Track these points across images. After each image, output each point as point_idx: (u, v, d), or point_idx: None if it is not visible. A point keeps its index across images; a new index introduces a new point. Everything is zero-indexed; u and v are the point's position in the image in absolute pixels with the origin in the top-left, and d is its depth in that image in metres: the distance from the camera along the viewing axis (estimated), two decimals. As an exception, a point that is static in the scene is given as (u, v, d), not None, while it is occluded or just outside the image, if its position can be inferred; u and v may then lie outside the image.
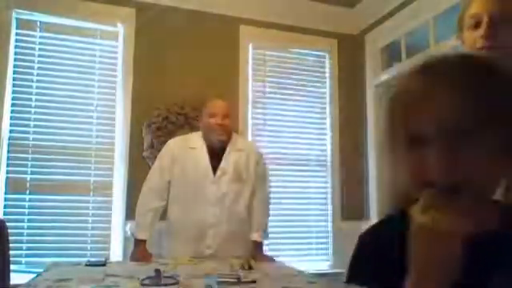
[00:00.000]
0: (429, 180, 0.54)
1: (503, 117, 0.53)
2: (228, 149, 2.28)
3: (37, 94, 2.90)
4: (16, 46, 2.89)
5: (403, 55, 3.16)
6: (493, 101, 0.53)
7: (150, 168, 2.42)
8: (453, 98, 0.53)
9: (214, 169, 2.24)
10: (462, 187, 0.53)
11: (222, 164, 2.24)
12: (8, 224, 2.11)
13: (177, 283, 1.56)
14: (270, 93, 3.43)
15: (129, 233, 2.36)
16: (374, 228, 0.70)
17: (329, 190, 3.47)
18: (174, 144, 2.34)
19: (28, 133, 2.86)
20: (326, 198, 3.47)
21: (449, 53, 0.60)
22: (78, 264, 1.97)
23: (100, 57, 3.06)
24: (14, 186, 2.78)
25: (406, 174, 0.58)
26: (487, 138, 0.53)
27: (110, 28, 3.08)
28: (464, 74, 0.55)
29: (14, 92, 2.86)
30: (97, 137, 2.99)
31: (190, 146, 2.30)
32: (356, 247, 0.68)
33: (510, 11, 1.08)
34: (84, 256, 2.76)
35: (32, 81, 2.90)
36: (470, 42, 1.13)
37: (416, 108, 0.56)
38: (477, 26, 1.11)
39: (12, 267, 2.14)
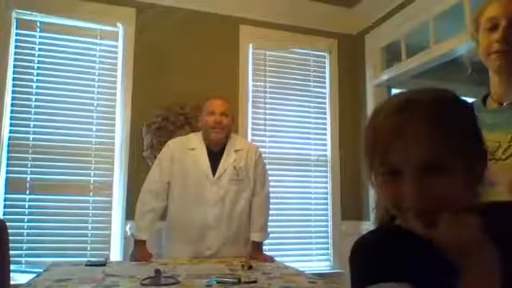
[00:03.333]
0: (405, 206, 0.63)
1: (464, 147, 0.63)
2: (227, 149, 2.28)
3: (37, 93, 2.90)
4: (16, 46, 2.89)
5: (403, 55, 3.16)
6: (456, 135, 0.63)
7: (150, 168, 2.42)
8: (422, 136, 0.62)
9: (214, 169, 2.24)
10: (435, 210, 0.61)
11: (221, 164, 2.25)
12: (8, 224, 2.10)
13: (177, 283, 1.56)
14: (270, 93, 3.43)
15: (129, 233, 2.37)
16: (380, 234, 0.74)
17: (329, 190, 3.47)
18: (173, 145, 2.34)
19: (28, 133, 2.86)
20: (326, 198, 3.47)
21: (419, 91, 0.68)
22: (78, 264, 1.97)
23: (100, 57, 3.06)
24: (14, 186, 2.78)
25: (387, 199, 0.68)
26: (453, 167, 0.62)
27: (109, 28, 3.08)
28: (432, 115, 0.63)
29: (13, 92, 2.86)
30: (97, 137, 2.99)
31: (190, 147, 2.30)
32: (369, 251, 0.69)
33: None
34: (84, 256, 2.76)
35: (32, 81, 2.90)
36: (485, 44, 1.13)
37: (391, 146, 0.64)
38: (493, 28, 1.10)
39: (12, 267, 2.13)
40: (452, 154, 0.62)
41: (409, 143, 0.62)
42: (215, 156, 2.27)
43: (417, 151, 0.62)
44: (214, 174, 2.24)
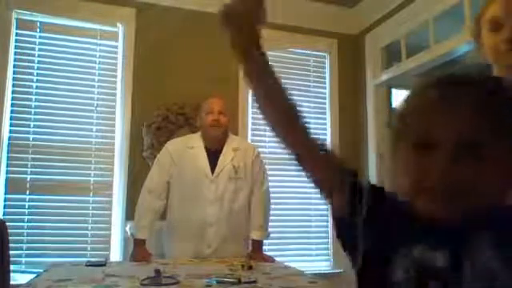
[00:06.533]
0: (428, 184, 0.59)
1: (509, 133, 0.59)
2: (225, 148, 2.30)
3: (37, 94, 2.90)
4: (16, 46, 2.89)
5: (403, 55, 3.16)
6: (503, 120, 0.59)
7: (149, 168, 2.42)
8: (470, 112, 0.58)
9: (212, 168, 2.26)
10: (459, 195, 0.57)
11: (220, 162, 2.26)
12: (8, 224, 2.11)
13: (177, 283, 1.56)
14: (270, 93, 3.42)
15: (129, 233, 2.37)
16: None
17: (329, 190, 3.46)
18: (172, 145, 2.36)
19: (28, 133, 2.86)
20: (326, 198, 3.47)
21: (463, 71, 0.65)
22: (78, 264, 1.97)
23: (100, 57, 3.06)
24: (14, 185, 2.78)
25: (408, 175, 0.62)
26: (493, 151, 0.57)
27: (109, 28, 3.08)
28: (480, 92, 0.60)
29: (13, 92, 2.86)
30: (97, 137, 2.99)
31: (189, 146, 2.31)
32: None
33: None
34: (84, 256, 2.76)
35: (32, 81, 2.90)
36: (491, 45, 1.12)
37: (434, 116, 0.60)
38: (497, 29, 1.09)
39: (12, 267, 2.14)
40: (495, 137, 0.58)
41: (454, 117, 0.58)
42: (214, 155, 2.28)
43: (460, 126, 0.58)
44: (212, 173, 2.25)
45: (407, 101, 0.66)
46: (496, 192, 0.59)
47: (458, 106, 0.59)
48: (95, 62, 3.05)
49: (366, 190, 0.70)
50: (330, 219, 3.70)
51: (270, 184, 2.42)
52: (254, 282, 1.61)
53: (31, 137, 2.86)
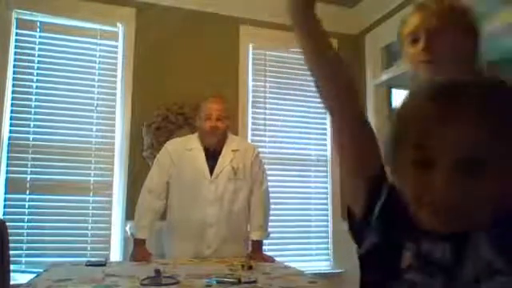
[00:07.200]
0: (428, 199, 0.57)
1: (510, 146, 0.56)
2: (224, 149, 2.31)
3: (37, 94, 2.90)
4: (16, 46, 2.88)
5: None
6: (506, 131, 0.55)
7: (149, 168, 2.43)
8: (469, 127, 0.55)
9: (212, 169, 2.26)
10: (459, 211, 0.56)
11: (219, 164, 2.27)
12: (8, 224, 2.11)
13: (177, 283, 1.57)
14: (270, 93, 3.43)
15: (129, 233, 2.37)
16: None
17: (329, 190, 3.47)
18: (171, 146, 2.37)
19: (28, 133, 2.86)
20: (326, 198, 3.47)
21: (458, 78, 0.61)
22: (78, 264, 1.97)
23: (100, 57, 3.06)
24: (14, 186, 2.78)
25: (408, 190, 0.61)
26: (496, 162, 0.55)
27: (109, 28, 3.08)
28: (482, 103, 0.56)
29: (13, 92, 2.85)
30: (97, 137, 2.99)
31: (187, 148, 2.31)
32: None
33: (444, 26, 1.13)
34: (84, 256, 2.76)
35: (32, 81, 2.90)
36: (412, 56, 1.20)
37: (430, 130, 0.57)
38: (415, 41, 1.17)
39: (12, 267, 2.14)
40: (495, 149, 0.54)
41: (451, 130, 0.55)
42: (213, 156, 2.29)
43: (459, 140, 0.55)
44: (211, 174, 2.25)
45: (405, 110, 0.63)
46: (498, 198, 0.57)
47: (456, 117, 0.56)
48: (95, 62, 3.05)
49: (384, 192, 0.70)
50: (330, 219, 3.68)
51: (269, 184, 2.43)
52: (254, 282, 1.61)
53: (31, 137, 2.86)
